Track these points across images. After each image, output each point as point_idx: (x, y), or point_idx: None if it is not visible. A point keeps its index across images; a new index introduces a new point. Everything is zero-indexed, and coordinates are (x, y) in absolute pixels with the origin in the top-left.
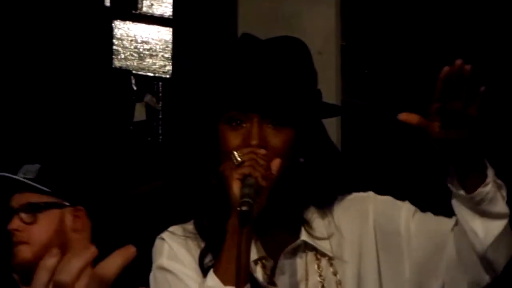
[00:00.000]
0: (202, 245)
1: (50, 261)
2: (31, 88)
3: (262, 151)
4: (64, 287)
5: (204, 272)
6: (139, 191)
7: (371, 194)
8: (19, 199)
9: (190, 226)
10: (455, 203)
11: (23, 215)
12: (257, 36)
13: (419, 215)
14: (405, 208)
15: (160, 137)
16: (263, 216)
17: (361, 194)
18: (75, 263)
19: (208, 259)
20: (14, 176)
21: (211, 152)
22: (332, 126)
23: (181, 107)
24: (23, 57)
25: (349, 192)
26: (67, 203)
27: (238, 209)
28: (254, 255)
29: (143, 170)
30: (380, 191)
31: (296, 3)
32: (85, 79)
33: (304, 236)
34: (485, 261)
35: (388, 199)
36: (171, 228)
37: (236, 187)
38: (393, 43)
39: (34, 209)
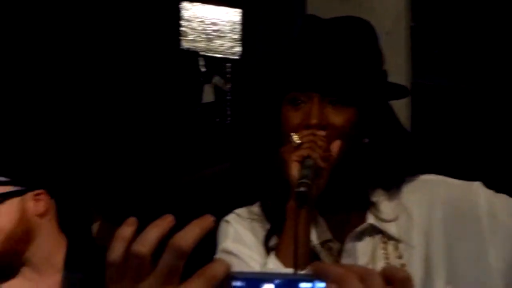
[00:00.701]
0: (268, 227)
1: (126, 231)
2: (99, 70)
3: (322, 133)
4: (140, 257)
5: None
6: (205, 173)
7: (441, 178)
8: None
9: (256, 208)
10: None
11: None
12: (325, 17)
13: (500, 197)
14: (483, 193)
15: (228, 118)
16: (328, 197)
17: (431, 177)
18: (152, 233)
19: (273, 242)
20: None
21: (274, 133)
22: (402, 107)
23: (249, 88)
24: (92, 39)
25: (418, 174)
26: (25, 189)
27: (296, 190)
28: (319, 237)
29: (211, 151)
30: (450, 173)
31: None
32: (153, 60)
33: (371, 219)
34: None
35: (461, 183)
36: (236, 210)
37: (294, 169)
38: (462, 23)
39: None
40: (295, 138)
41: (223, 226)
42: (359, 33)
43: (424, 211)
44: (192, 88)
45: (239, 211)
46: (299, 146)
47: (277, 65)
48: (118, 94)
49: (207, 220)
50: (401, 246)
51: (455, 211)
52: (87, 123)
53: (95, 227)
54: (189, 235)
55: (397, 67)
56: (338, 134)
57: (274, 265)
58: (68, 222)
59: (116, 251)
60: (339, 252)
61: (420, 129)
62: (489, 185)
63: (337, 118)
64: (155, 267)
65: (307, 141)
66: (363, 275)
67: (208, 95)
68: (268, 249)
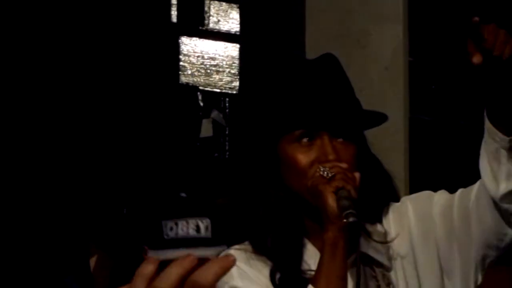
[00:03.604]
0: (263, 263)
1: (147, 268)
2: (96, 106)
3: (344, 165)
4: None
5: None
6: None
7: (405, 197)
8: None
9: (248, 246)
10: (487, 148)
11: None
12: (324, 52)
13: (459, 193)
14: (439, 194)
15: (227, 153)
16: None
17: (399, 203)
18: (174, 270)
19: (277, 277)
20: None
21: (272, 170)
22: (399, 142)
23: (247, 123)
24: (90, 73)
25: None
26: None
27: (345, 220)
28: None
29: (209, 186)
30: None
31: (364, 20)
32: (152, 95)
33: (362, 247)
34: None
35: (424, 192)
36: (232, 249)
37: (332, 201)
38: (461, 59)
39: None
40: (327, 169)
41: None
42: (342, 70)
43: (404, 235)
44: (190, 123)
45: (235, 248)
46: (332, 178)
47: (279, 105)
48: (116, 129)
49: (228, 259)
50: (391, 273)
51: (423, 221)
52: (84, 159)
53: (92, 261)
54: (209, 273)
55: (395, 102)
56: (348, 170)
57: None
58: (66, 256)
59: None
60: None
61: (417, 163)
62: None
63: (346, 153)
64: None
65: (338, 173)
66: None
67: (206, 130)
68: (275, 285)
